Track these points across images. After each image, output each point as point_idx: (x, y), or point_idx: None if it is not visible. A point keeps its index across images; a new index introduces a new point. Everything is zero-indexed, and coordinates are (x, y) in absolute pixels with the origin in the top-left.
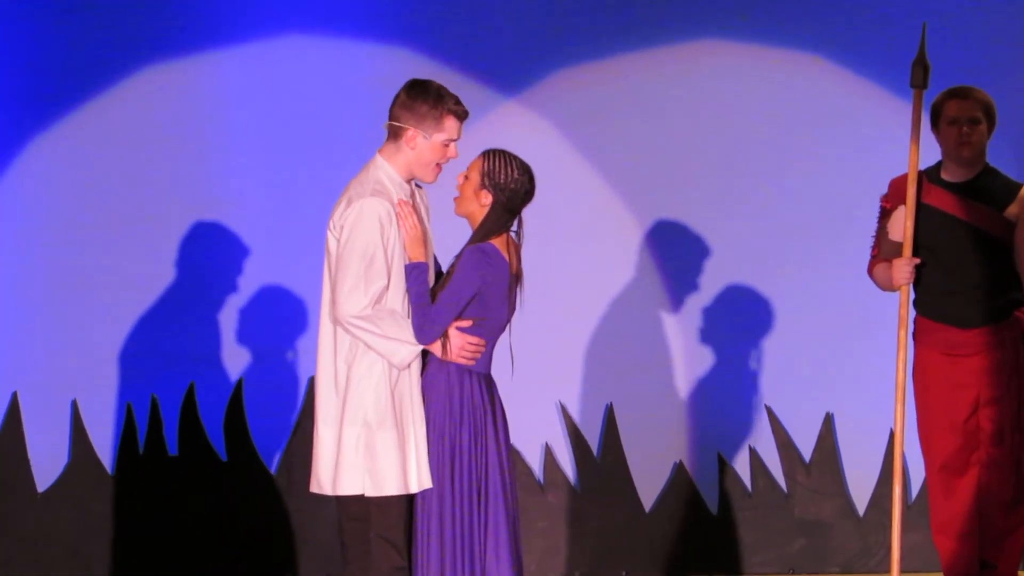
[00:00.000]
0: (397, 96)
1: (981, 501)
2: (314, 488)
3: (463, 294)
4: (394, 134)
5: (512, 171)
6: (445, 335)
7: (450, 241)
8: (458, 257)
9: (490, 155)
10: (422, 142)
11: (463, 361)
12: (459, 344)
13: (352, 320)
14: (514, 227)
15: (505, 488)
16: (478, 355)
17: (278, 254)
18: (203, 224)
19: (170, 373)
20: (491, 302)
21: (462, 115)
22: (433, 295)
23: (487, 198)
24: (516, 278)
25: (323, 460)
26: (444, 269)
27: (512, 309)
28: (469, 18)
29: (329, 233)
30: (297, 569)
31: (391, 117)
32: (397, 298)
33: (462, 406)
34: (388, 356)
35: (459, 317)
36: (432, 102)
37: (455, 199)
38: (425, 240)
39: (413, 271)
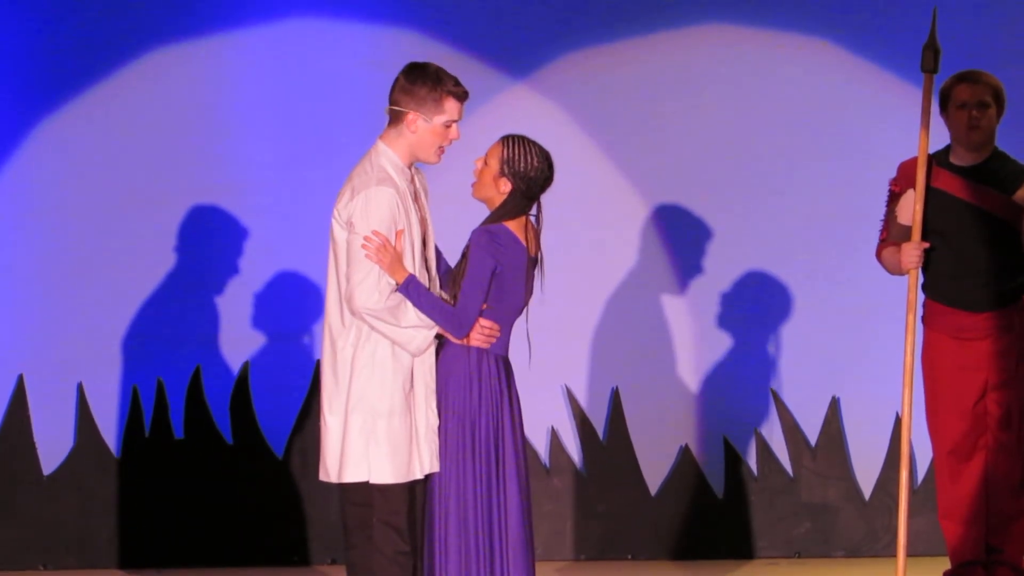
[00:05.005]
0: (396, 80)
1: (988, 485)
2: (322, 476)
3: (483, 276)
4: (395, 119)
5: (532, 159)
6: None
7: (456, 226)
8: (470, 240)
9: (510, 142)
10: (423, 125)
11: (477, 344)
12: (473, 328)
13: (368, 312)
14: (532, 211)
15: (520, 471)
16: (493, 339)
17: (284, 237)
18: (209, 207)
19: (176, 356)
20: (506, 284)
21: (462, 96)
22: (453, 279)
23: (506, 185)
24: (534, 262)
25: (330, 448)
26: (444, 251)
27: (530, 292)
28: (477, 1)
29: (334, 222)
30: (303, 553)
31: (391, 102)
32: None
33: (480, 390)
34: (405, 344)
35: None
36: (431, 84)
37: (473, 184)
38: (424, 228)
39: (409, 287)
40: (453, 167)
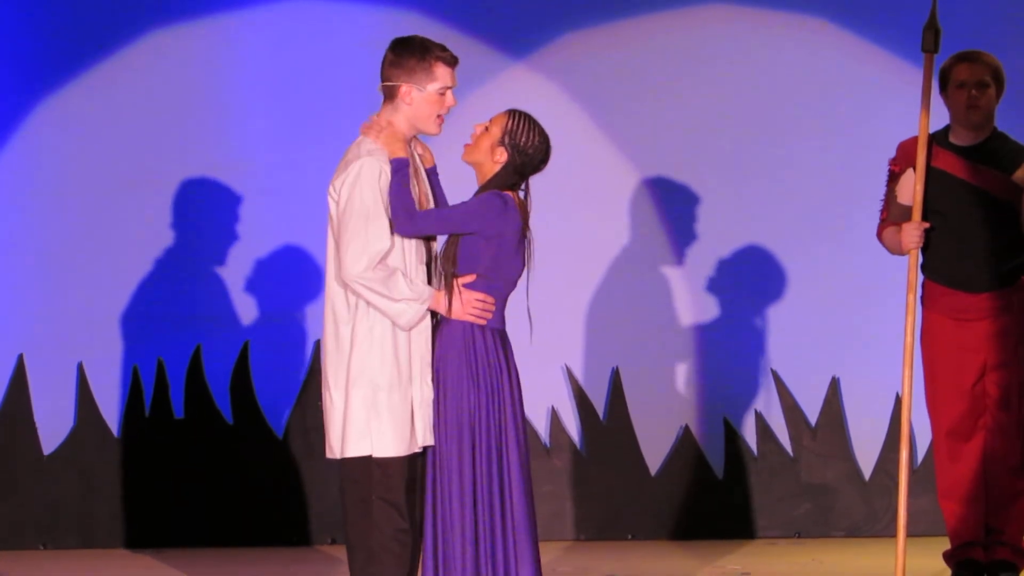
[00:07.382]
0: (384, 57)
1: (987, 466)
2: (329, 454)
3: (461, 223)
4: (389, 95)
5: (533, 137)
6: (453, 293)
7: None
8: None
9: (516, 115)
10: (417, 95)
11: (472, 319)
12: (465, 301)
13: (358, 280)
14: (520, 189)
15: (520, 448)
16: (488, 313)
17: (284, 217)
18: (210, 186)
19: (176, 336)
20: (503, 255)
21: (450, 61)
22: (446, 255)
23: (502, 156)
24: (523, 232)
25: (333, 425)
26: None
27: (524, 264)
28: None
29: (329, 198)
30: (303, 533)
31: (383, 79)
32: (399, 258)
33: (478, 366)
34: (395, 318)
35: (456, 264)
36: (419, 54)
37: (466, 145)
38: (425, 203)
39: (399, 169)
40: (460, 143)
